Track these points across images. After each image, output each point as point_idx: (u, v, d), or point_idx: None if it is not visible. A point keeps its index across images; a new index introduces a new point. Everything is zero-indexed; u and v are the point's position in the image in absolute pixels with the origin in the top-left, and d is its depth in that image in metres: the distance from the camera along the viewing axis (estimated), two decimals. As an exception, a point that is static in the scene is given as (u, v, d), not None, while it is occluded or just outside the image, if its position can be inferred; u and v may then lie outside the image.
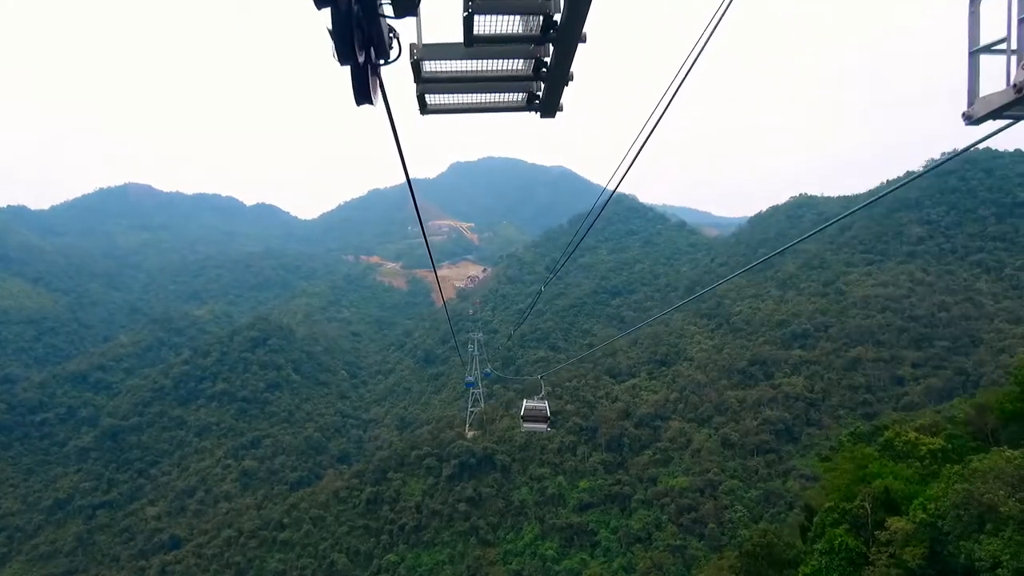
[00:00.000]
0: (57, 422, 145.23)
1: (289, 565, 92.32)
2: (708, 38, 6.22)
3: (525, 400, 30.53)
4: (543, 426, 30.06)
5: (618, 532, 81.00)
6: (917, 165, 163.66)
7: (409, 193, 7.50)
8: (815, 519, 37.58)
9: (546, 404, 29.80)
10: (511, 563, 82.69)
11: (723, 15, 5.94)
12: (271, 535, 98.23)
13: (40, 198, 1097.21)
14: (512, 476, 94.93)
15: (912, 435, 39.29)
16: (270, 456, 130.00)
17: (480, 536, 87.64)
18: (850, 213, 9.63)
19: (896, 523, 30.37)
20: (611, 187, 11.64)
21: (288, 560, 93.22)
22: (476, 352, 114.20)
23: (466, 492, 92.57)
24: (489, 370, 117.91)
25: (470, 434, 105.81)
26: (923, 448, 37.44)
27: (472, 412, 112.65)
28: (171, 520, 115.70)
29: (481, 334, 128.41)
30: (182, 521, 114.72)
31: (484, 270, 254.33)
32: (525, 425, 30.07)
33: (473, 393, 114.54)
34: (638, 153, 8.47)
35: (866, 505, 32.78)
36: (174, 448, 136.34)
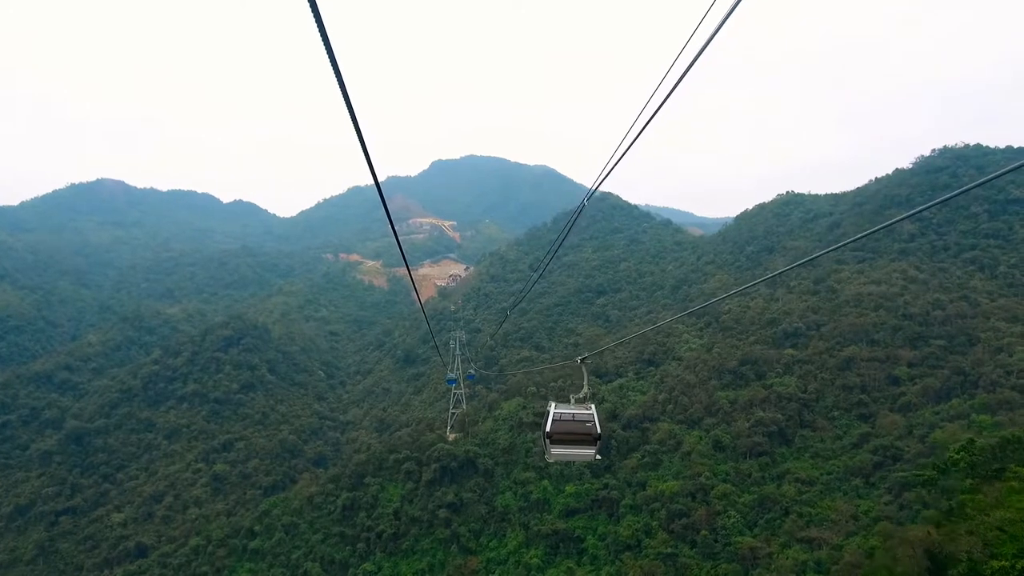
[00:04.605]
0: (19, 424, 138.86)
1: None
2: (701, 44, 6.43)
3: (553, 404, 16.31)
4: (591, 452, 15.70)
5: (606, 539, 77.36)
6: (906, 163, 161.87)
7: (390, 191, 4.09)
8: None
9: (594, 411, 15.90)
10: (494, 572, 78.87)
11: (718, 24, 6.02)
12: (241, 543, 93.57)
13: (9, 193, 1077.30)
14: (495, 481, 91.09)
15: None
16: (243, 460, 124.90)
17: (461, 544, 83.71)
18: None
19: None
20: (596, 182, 11.29)
21: (259, 570, 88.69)
22: (458, 351, 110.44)
23: (447, 497, 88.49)
24: (473, 372, 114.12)
25: (451, 437, 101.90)
26: None
27: (454, 414, 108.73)
28: (138, 527, 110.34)
29: (463, 332, 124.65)
30: (149, 528, 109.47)
31: (466, 268, 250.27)
32: (554, 451, 15.68)
33: (455, 394, 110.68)
34: (628, 148, 9.04)
35: None
36: (142, 452, 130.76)
